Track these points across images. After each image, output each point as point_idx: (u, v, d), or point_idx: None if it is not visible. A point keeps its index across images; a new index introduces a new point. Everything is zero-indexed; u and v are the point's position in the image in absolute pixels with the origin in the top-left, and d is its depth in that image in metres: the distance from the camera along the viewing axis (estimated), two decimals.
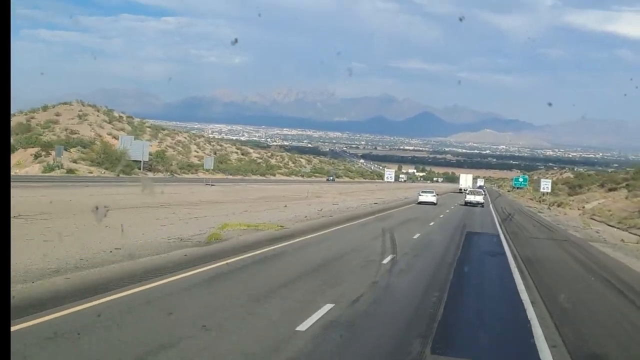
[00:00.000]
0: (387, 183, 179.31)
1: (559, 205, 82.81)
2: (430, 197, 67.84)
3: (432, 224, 33.89)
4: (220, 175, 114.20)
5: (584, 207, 75.20)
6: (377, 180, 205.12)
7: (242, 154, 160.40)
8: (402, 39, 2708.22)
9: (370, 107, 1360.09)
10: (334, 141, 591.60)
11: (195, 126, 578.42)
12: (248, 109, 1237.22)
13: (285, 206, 43.18)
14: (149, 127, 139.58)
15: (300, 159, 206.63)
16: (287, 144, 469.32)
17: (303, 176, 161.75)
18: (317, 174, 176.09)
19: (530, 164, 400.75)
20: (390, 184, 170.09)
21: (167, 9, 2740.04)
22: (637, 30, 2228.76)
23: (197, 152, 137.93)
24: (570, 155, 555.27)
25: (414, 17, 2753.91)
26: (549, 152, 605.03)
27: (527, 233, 33.88)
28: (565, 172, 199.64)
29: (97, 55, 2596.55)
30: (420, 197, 68.95)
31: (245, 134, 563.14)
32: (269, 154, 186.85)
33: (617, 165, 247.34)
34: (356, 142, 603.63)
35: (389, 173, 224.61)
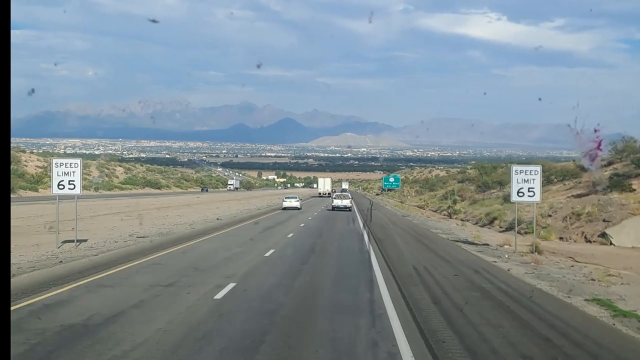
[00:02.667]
0: (229, 192, 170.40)
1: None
2: (294, 203, 69.96)
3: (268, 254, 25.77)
4: None
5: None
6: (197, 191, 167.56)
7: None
8: (260, 46, 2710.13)
9: (230, 115, 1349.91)
10: (194, 151, 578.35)
11: (48, 142, 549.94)
12: (104, 122, 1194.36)
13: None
14: None
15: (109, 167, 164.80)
16: (144, 155, 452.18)
17: (96, 189, 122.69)
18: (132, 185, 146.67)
19: (392, 165, 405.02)
20: (234, 193, 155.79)
21: (12, 22, 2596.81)
22: (485, 32, 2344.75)
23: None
24: (429, 155, 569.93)
25: (271, 25, 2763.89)
26: (409, 152, 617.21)
27: None
28: (435, 169, 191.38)
29: None
30: (284, 202, 70.59)
31: (101, 148, 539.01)
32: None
33: (474, 162, 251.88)
34: (216, 151, 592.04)
35: (232, 181, 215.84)
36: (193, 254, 23.98)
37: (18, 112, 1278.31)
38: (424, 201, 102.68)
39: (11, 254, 17.33)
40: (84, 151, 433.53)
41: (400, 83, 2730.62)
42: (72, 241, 26.95)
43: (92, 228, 37.73)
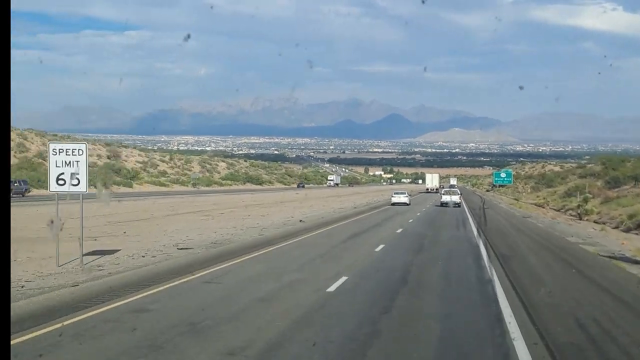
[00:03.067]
0: (329, 188, 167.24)
1: None
2: (402, 198, 70.25)
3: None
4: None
5: None
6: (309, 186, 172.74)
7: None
8: (367, 42, 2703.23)
9: (337, 111, 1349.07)
10: (302, 147, 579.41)
11: (162, 139, 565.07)
12: (215, 119, 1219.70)
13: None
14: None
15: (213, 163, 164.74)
16: (254, 151, 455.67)
17: (194, 185, 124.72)
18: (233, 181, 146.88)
19: (501, 160, 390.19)
20: (335, 190, 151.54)
21: (129, 24, 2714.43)
22: (599, 22, 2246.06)
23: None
24: (540, 150, 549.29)
25: (377, 20, 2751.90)
26: (519, 147, 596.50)
27: None
28: (548, 164, 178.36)
29: (61, 72, 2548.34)
30: (393, 198, 71.08)
31: (212, 144, 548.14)
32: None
33: (588, 157, 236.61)
34: (324, 147, 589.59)
35: (332, 177, 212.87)
36: (218, 288, 15.25)
37: (134, 110, 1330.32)
38: (543, 199, 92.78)
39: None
40: (196, 147, 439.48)
41: (510, 77, 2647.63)
42: (100, 253, 21.68)
43: (146, 232, 31.74)
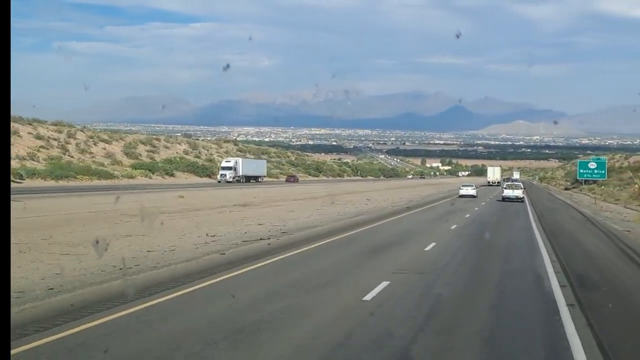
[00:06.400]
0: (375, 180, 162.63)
1: None
2: (470, 191, 73.73)
3: None
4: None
5: None
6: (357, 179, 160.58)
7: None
8: (430, 33, 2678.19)
9: (400, 103, 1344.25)
10: (363, 139, 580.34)
11: (223, 129, 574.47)
12: (277, 110, 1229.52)
13: None
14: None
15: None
16: (312, 142, 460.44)
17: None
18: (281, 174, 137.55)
19: (568, 153, 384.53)
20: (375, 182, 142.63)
21: (194, 16, 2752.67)
22: None
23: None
24: (607, 143, 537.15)
25: (441, 12, 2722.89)
26: (585, 141, 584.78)
27: None
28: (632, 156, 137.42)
29: (127, 63, 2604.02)
30: (461, 190, 74.98)
31: (273, 135, 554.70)
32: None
33: None
34: (385, 139, 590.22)
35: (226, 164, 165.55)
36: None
37: (199, 101, 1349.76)
38: None
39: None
40: (256, 138, 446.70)
41: (575, 69, 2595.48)
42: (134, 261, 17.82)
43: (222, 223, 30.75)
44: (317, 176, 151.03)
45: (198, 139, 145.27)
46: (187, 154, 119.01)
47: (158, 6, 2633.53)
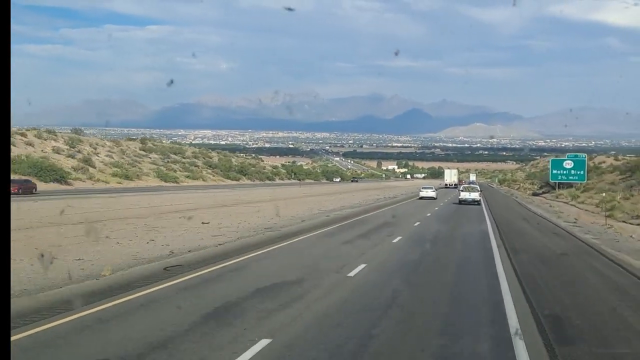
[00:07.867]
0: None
1: None
2: (430, 193, 75.31)
3: None
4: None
5: None
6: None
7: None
8: (388, 37, 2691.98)
9: (358, 106, 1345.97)
10: (321, 142, 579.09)
11: (180, 133, 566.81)
12: (235, 113, 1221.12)
13: None
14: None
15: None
16: (269, 145, 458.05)
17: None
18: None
19: (525, 155, 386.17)
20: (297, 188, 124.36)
21: (151, 18, 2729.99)
22: (622, 18, 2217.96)
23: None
24: (563, 145, 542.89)
25: (399, 16, 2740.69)
26: (541, 143, 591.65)
27: None
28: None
29: (83, 66, 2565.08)
30: (421, 192, 76.64)
31: (230, 138, 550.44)
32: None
33: (614, 152, 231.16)
34: (343, 142, 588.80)
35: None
36: None
37: (154, 104, 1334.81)
38: None
39: None
40: (212, 142, 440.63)
41: (531, 72, 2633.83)
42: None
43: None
44: (238, 180, 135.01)
45: (84, 135, 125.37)
46: (58, 152, 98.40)
47: (114, 8, 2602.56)
